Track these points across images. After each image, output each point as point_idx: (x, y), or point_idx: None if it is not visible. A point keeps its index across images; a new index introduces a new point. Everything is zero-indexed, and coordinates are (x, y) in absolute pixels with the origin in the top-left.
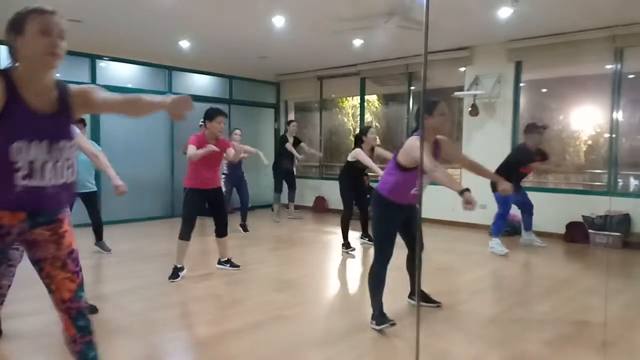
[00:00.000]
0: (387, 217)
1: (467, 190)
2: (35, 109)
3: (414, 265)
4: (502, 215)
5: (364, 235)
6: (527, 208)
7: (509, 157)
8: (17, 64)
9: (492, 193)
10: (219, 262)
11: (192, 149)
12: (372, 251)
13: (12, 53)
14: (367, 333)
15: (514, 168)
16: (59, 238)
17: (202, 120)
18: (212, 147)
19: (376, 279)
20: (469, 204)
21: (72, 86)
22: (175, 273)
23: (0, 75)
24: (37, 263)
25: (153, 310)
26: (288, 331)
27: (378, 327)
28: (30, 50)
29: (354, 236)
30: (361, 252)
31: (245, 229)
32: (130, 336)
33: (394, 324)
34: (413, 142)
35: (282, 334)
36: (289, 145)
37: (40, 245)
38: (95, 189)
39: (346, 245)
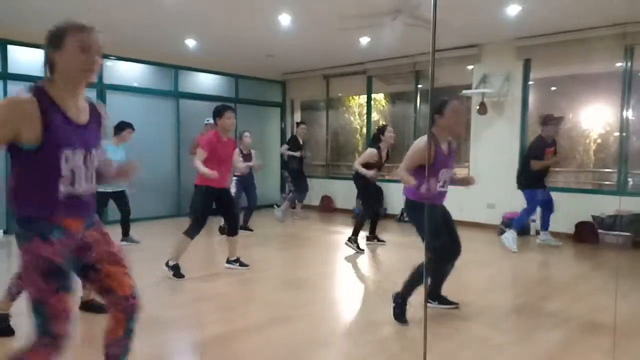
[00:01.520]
0: (422, 219)
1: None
2: (72, 119)
3: (430, 267)
4: (529, 212)
5: (372, 236)
6: (548, 207)
7: (529, 150)
8: (51, 76)
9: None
10: (228, 261)
11: (199, 156)
12: (379, 250)
13: (49, 65)
14: (374, 333)
15: (537, 157)
16: (105, 236)
17: (207, 119)
18: (215, 174)
19: (434, 271)
20: (467, 182)
21: (98, 103)
22: (178, 273)
23: (35, 92)
24: (92, 266)
25: (160, 309)
26: (295, 331)
27: (394, 318)
28: (68, 66)
29: (361, 235)
30: (368, 253)
31: (248, 229)
32: (137, 336)
33: (406, 324)
34: (415, 146)
35: (289, 334)
36: (283, 150)
37: (93, 246)
38: (124, 188)
39: (356, 242)
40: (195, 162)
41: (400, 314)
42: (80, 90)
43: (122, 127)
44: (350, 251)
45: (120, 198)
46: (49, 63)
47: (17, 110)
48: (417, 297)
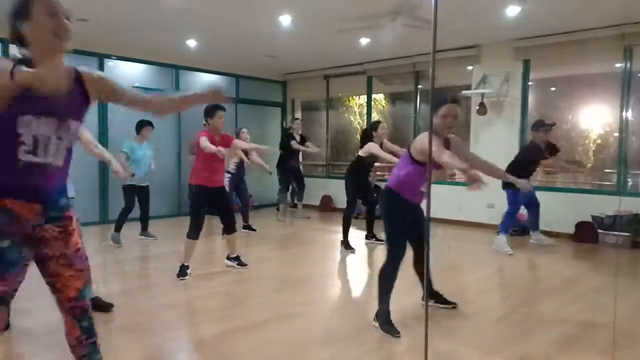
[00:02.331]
0: (396, 214)
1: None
2: (45, 90)
3: (420, 266)
4: (512, 214)
5: (370, 235)
6: (533, 207)
7: (521, 156)
8: (25, 51)
9: (502, 191)
10: (228, 258)
11: (205, 141)
12: (377, 250)
13: (20, 40)
14: (372, 332)
15: (526, 166)
16: (67, 236)
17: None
18: (223, 150)
19: (386, 278)
20: (474, 182)
21: (86, 71)
22: (183, 271)
23: (9, 59)
24: (41, 261)
25: (159, 308)
26: (293, 330)
27: (381, 331)
28: (38, 34)
29: (359, 235)
30: (366, 252)
31: (250, 229)
32: (135, 335)
33: (398, 336)
34: (423, 137)
35: (287, 333)
36: (294, 143)
37: (49, 242)
38: (148, 184)
39: (345, 244)
40: (202, 141)
41: (388, 327)
42: (56, 58)
43: (141, 125)
44: (349, 250)
45: (143, 193)
46: (18, 37)
47: None
48: (415, 297)
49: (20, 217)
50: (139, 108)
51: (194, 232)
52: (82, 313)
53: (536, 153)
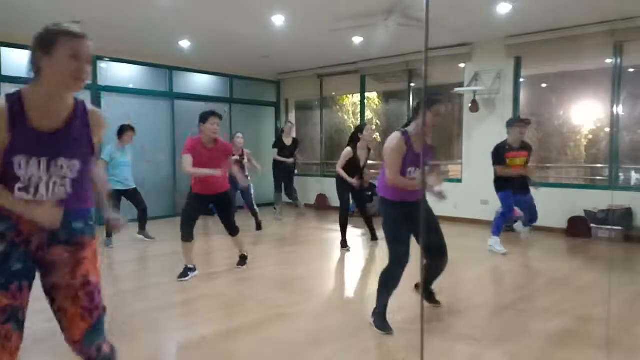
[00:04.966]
0: (391, 217)
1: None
2: (36, 127)
3: (429, 275)
4: (504, 215)
5: (373, 237)
6: (531, 213)
7: (492, 156)
8: (36, 80)
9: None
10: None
11: (186, 162)
12: (375, 249)
13: (34, 69)
14: (370, 330)
15: (499, 164)
16: (76, 263)
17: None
18: (210, 172)
19: (387, 280)
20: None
21: (97, 113)
22: (185, 272)
23: (9, 100)
24: (49, 292)
25: (156, 309)
26: (290, 329)
27: (377, 329)
28: (56, 73)
29: (355, 233)
30: (363, 251)
31: (259, 227)
32: (133, 336)
33: (391, 333)
34: (389, 140)
35: (285, 332)
36: (274, 155)
37: (56, 267)
38: (135, 186)
39: (343, 243)
40: (183, 161)
41: (382, 323)
42: (66, 96)
43: (123, 130)
44: (345, 248)
45: (132, 196)
46: (35, 67)
47: None
48: (412, 295)
49: (20, 228)
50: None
51: (186, 236)
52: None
53: (502, 150)
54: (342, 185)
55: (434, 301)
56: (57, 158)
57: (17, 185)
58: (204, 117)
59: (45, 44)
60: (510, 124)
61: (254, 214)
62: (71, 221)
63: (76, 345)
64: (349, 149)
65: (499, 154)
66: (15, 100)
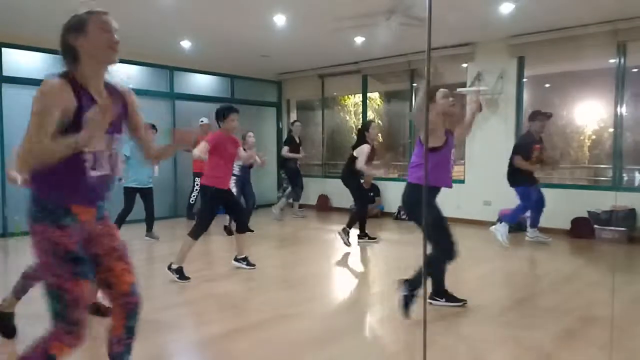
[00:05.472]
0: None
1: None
2: (97, 101)
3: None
4: (524, 208)
5: (363, 234)
6: (539, 204)
7: (515, 149)
8: (73, 65)
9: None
10: (236, 259)
11: (202, 148)
12: (377, 248)
13: (72, 54)
14: (372, 330)
15: (526, 155)
16: (111, 230)
17: (202, 119)
18: (196, 153)
19: (439, 269)
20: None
21: (129, 91)
22: (182, 275)
23: (62, 78)
24: (95, 259)
25: (158, 310)
26: (293, 329)
27: (402, 303)
28: (94, 46)
29: (353, 233)
30: (364, 251)
31: (249, 230)
32: (137, 335)
33: (408, 317)
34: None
35: (287, 332)
36: (285, 152)
37: (97, 239)
38: (152, 185)
39: (348, 235)
40: (199, 147)
41: (406, 306)
42: (104, 71)
43: None
44: (348, 249)
45: (146, 195)
46: (72, 51)
47: (57, 94)
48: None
49: (83, 221)
50: (144, 148)
51: (197, 233)
52: (133, 310)
53: (531, 142)
54: (357, 184)
55: (458, 300)
56: (114, 132)
57: (88, 165)
58: (223, 114)
59: (79, 25)
60: (533, 117)
61: (248, 216)
62: (103, 204)
63: (125, 296)
64: (366, 145)
65: (528, 146)
66: (69, 77)
